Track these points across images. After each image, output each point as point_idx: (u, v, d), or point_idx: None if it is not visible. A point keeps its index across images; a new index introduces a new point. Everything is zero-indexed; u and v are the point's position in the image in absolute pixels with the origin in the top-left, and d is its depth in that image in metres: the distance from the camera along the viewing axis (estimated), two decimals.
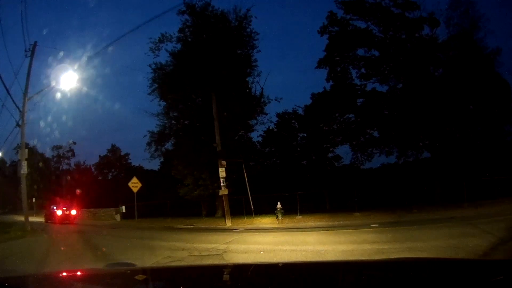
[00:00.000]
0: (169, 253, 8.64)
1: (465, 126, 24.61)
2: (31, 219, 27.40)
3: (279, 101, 29.60)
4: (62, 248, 11.81)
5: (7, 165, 47.79)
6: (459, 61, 23.79)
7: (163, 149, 29.91)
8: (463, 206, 17.22)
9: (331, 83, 27.12)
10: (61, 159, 55.91)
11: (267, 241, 10.43)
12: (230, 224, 19.38)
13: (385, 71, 25.71)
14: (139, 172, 44.20)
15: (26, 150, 20.87)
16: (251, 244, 9.76)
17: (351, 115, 26.98)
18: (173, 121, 28.85)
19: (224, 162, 20.05)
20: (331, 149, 31.88)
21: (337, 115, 27.12)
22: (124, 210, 30.47)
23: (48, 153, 54.01)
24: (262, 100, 28.52)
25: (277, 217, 19.13)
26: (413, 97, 23.59)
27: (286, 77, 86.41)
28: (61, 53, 19.52)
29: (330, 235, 10.48)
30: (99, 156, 54.62)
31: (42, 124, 34.23)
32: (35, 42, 18.85)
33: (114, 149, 54.31)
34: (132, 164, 52.51)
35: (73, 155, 55.54)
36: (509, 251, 7.00)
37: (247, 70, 27.86)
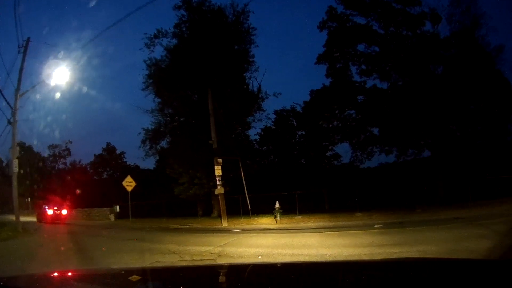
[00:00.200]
0: (158, 257, 7.99)
1: (466, 125, 24.30)
2: (26, 219, 28.14)
3: (277, 97, 29.13)
4: (49, 250, 11.25)
5: (4, 164, 47.04)
6: (460, 58, 23.44)
7: (158, 147, 29.41)
8: (467, 206, 16.71)
9: (330, 79, 26.69)
10: (57, 158, 55.15)
11: (266, 243, 9.69)
12: (227, 225, 18.68)
13: (385, 68, 25.35)
14: (135, 171, 43.65)
15: (18, 148, 20.69)
16: (248, 247, 9.05)
17: (351, 111, 26.44)
18: (168, 118, 28.27)
19: (220, 160, 19.34)
20: (330, 147, 31.32)
21: (336, 112, 26.49)
22: (118, 210, 30.17)
23: (45, 152, 53.52)
24: (260, 95, 27.97)
25: (275, 217, 18.46)
26: (413, 94, 23.23)
27: (285, 75, 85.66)
28: (56, 50, 19.05)
29: (333, 237, 9.76)
30: (94, 155, 53.93)
31: (37, 123, 33.87)
32: (28, 38, 18.57)
33: (109, 148, 53.58)
34: (128, 163, 51.79)
35: (69, 154, 54.84)
36: None
37: (244, 65, 27.33)
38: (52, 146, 53.36)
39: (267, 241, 10.22)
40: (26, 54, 18.81)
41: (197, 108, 25.08)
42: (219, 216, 20.29)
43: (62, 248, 11.70)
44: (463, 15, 24.17)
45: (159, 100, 27.25)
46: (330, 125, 27.97)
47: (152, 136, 28.40)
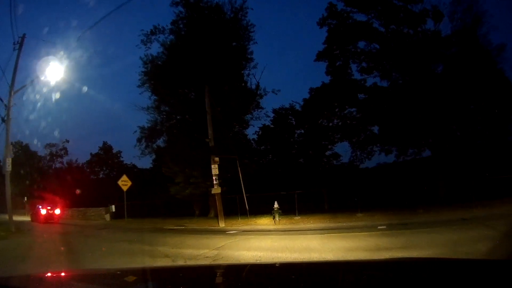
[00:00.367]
0: (150, 261, 7.50)
1: (466, 125, 24.05)
2: (22, 218, 28.72)
3: (276, 93, 28.64)
4: (39, 252, 10.89)
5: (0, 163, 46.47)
6: (461, 57, 23.18)
7: (154, 145, 28.83)
8: (470, 207, 16.20)
9: (330, 77, 26.28)
10: (54, 158, 54.59)
11: (264, 246, 9.14)
12: (223, 225, 18.13)
13: (386, 66, 25.01)
14: (132, 171, 43.30)
15: (11, 146, 20.46)
16: (245, 250, 8.49)
17: (352, 109, 26.04)
18: (164, 116, 27.68)
19: (217, 159, 18.79)
20: (329, 146, 30.87)
21: (336, 110, 26.04)
22: (113, 210, 29.86)
23: (42, 151, 53.14)
24: (259, 92, 27.50)
25: (274, 218, 17.92)
26: (414, 93, 22.99)
27: (284, 75, 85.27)
28: (55, 49, 18.69)
29: (336, 239, 9.20)
30: (91, 154, 53.47)
31: (35, 122, 33.62)
32: (24, 34, 18.50)
33: (106, 147, 53.04)
34: (125, 162, 51.36)
35: (66, 153, 54.31)
36: None
37: (242, 62, 26.89)
38: (49, 145, 52.93)
39: (266, 243, 9.66)
40: (21, 51, 18.70)
41: (194, 106, 24.64)
42: (216, 217, 19.75)
43: (52, 250, 11.32)
44: (464, 13, 23.95)
45: (155, 97, 26.77)
46: (330, 124, 27.58)
47: (148, 135, 27.88)
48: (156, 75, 25.44)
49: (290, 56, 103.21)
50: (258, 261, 7.13)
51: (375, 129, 26.35)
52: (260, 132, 33.19)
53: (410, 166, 26.23)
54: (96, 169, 53.74)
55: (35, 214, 28.85)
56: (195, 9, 25.74)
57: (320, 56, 25.56)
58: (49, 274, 2.89)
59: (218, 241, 10.25)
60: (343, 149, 31.28)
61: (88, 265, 7.50)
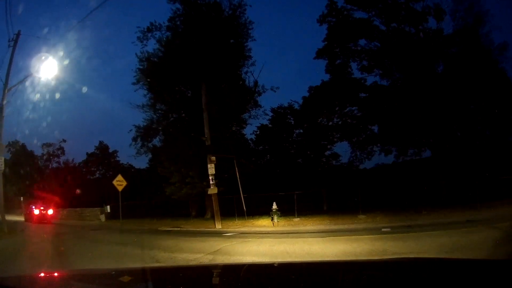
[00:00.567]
0: (139, 266, 6.88)
1: (466, 125, 23.87)
2: (17, 218, 28.36)
3: (275, 91, 28.18)
4: (28, 253, 10.60)
5: None
6: (463, 56, 23.01)
7: (150, 145, 28.24)
8: (475, 208, 15.77)
9: (329, 76, 25.90)
10: (51, 157, 53.94)
11: (262, 251, 8.55)
12: (220, 227, 17.55)
13: (387, 65, 24.66)
14: (128, 171, 42.90)
15: (3, 146, 20.17)
16: (242, 256, 7.92)
17: (352, 108, 25.65)
18: (160, 115, 27.09)
19: (213, 158, 18.21)
20: (328, 146, 30.36)
21: (336, 109, 25.60)
22: (109, 210, 29.49)
23: (39, 151, 52.33)
24: (257, 90, 27.02)
25: (272, 219, 17.35)
26: (415, 92, 22.79)
27: (284, 75, 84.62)
28: (54, 48, 18.14)
29: (339, 243, 8.61)
30: (87, 153, 52.87)
31: (31, 121, 33.20)
32: (19, 31, 18.06)
33: (102, 146, 52.46)
34: (121, 162, 50.87)
35: (63, 153, 53.60)
36: None
37: (240, 60, 26.36)
38: (46, 145, 52.20)
39: (264, 247, 9.08)
40: (16, 47, 18.40)
41: (191, 104, 24.16)
42: (213, 218, 19.18)
43: (38, 253, 10.86)
44: (466, 12, 23.81)
45: (151, 95, 26.19)
46: (330, 123, 27.15)
47: (143, 133, 27.32)
48: (152, 72, 24.90)
49: (289, 55, 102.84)
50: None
51: (375, 128, 26.12)
52: (258, 132, 32.76)
53: (409, 167, 25.91)
54: (92, 168, 53.28)
55: (28, 214, 28.69)
56: (193, 6, 25.32)
57: (320, 54, 25.19)
58: (47, 274, 2.91)
59: (214, 245, 9.68)
60: (342, 149, 30.78)
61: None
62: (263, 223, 18.06)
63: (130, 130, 27.50)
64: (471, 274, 2.14)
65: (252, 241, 10.42)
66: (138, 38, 25.28)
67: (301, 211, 19.84)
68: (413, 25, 23.86)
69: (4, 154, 19.00)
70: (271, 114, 31.68)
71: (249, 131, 37.45)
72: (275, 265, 3.64)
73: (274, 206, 17.39)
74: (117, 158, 52.09)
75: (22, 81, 19.61)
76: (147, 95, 26.22)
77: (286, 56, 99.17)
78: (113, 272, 2.90)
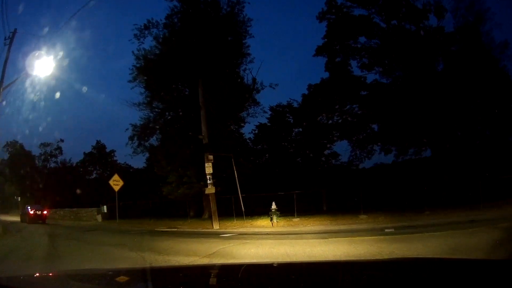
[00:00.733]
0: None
1: (466, 125, 23.69)
2: (14, 218, 28.63)
3: (274, 88, 27.77)
4: (16, 255, 10.16)
5: None
6: (464, 54, 22.83)
7: (147, 144, 27.80)
8: (479, 208, 15.51)
9: (329, 74, 25.61)
10: (49, 157, 53.51)
11: (262, 253, 8.14)
12: (218, 227, 17.15)
13: (387, 62, 24.34)
14: (126, 170, 42.45)
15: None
16: (240, 259, 7.48)
17: (352, 106, 25.33)
18: (157, 113, 26.73)
19: (211, 157, 17.79)
20: (328, 145, 29.97)
21: (336, 107, 25.28)
22: (105, 210, 29.18)
23: (37, 151, 51.84)
24: (256, 87, 26.69)
25: (271, 220, 16.98)
26: (415, 90, 22.62)
27: (283, 75, 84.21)
28: (43, 43, 17.79)
29: (342, 245, 8.22)
30: (84, 153, 52.35)
31: (29, 121, 33.02)
32: (15, 29, 17.43)
33: (99, 146, 51.92)
34: (118, 162, 50.33)
35: (61, 152, 53.22)
36: None
37: (239, 57, 26.03)
38: (44, 145, 51.74)
39: (264, 249, 8.69)
40: (11, 45, 17.99)
41: (188, 102, 23.89)
42: (210, 218, 18.78)
43: (27, 254, 10.42)
44: (467, 10, 23.74)
45: (148, 93, 25.84)
46: (330, 121, 26.85)
47: (140, 132, 26.91)
48: (149, 70, 24.57)
49: (288, 54, 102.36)
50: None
51: (375, 127, 25.86)
52: (256, 131, 32.33)
53: (409, 167, 25.73)
54: (89, 168, 52.88)
55: (23, 214, 28.62)
56: (191, 3, 25.06)
57: (319, 51, 24.92)
58: (47, 274, 2.91)
59: (211, 246, 9.30)
60: (342, 149, 30.36)
61: None
62: (262, 224, 17.69)
63: (126, 129, 27.16)
64: (471, 274, 2.13)
65: (251, 243, 10.02)
66: (135, 35, 25.03)
67: (300, 211, 19.49)
68: (414, 22, 23.63)
69: (3, 154, 18.76)
70: (270, 112, 31.36)
71: (248, 130, 37.18)
72: (275, 265, 3.59)
73: (273, 206, 17.01)
74: (115, 158, 51.66)
75: (17, 79, 19.25)
76: (144, 93, 25.95)
77: (285, 55, 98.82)
78: (113, 272, 2.89)
